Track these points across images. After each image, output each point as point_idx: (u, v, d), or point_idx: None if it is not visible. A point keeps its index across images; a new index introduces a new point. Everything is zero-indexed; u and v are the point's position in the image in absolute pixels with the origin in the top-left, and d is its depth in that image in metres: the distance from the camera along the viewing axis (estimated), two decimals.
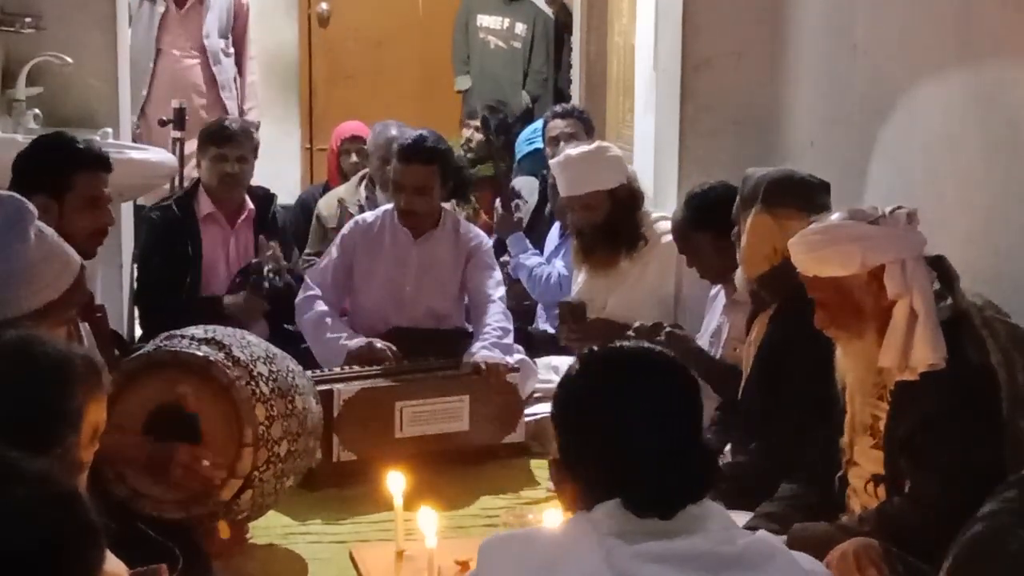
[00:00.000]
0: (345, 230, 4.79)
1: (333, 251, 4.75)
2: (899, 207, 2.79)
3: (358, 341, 4.44)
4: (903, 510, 2.71)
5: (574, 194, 4.51)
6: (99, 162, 3.52)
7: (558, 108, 5.90)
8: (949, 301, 2.76)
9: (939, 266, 2.80)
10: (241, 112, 6.32)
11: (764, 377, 3.36)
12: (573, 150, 4.59)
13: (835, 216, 2.84)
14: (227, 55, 6.35)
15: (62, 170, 3.42)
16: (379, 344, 4.43)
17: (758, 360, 3.40)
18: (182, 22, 6.26)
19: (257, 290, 4.75)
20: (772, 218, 3.29)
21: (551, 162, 4.69)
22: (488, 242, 4.85)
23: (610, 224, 4.48)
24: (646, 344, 1.94)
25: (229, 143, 4.86)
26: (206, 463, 3.19)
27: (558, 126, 5.64)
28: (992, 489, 2.52)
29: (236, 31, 6.43)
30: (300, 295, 4.66)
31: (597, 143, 4.71)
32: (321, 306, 4.59)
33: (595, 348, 1.90)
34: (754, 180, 3.42)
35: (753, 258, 3.33)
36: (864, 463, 2.89)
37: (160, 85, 6.17)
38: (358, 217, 4.87)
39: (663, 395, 1.81)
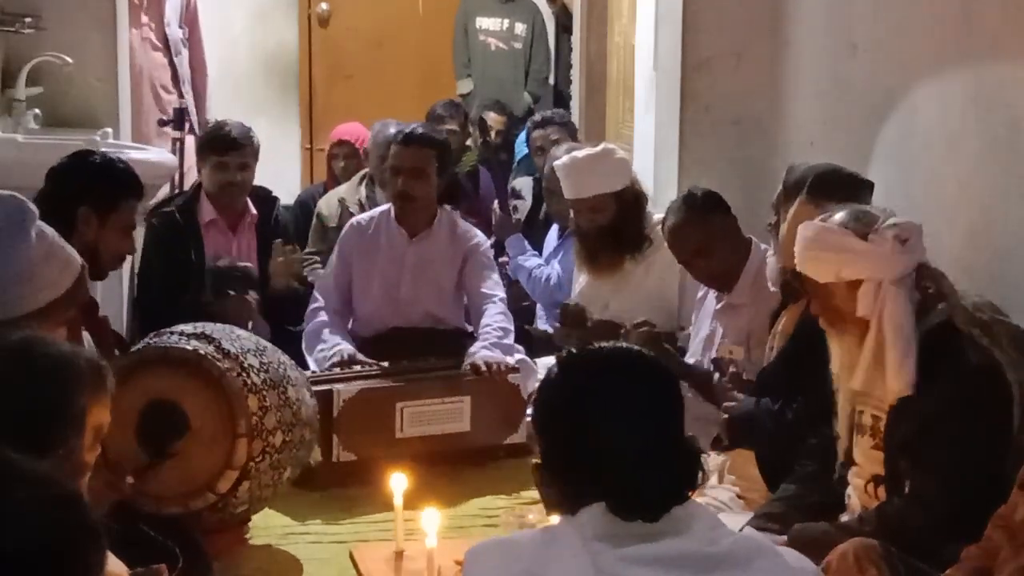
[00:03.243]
0: (342, 234, 4.80)
1: (333, 257, 4.76)
2: (895, 224, 2.76)
3: (336, 353, 4.41)
4: (903, 510, 2.71)
5: (581, 196, 4.50)
6: (141, 192, 3.64)
7: (537, 118, 6.08)
8: (942, 305, 2.76)
9: (931, 275, 2.79)
10: (199, 113, 6.10)
11: (790, 364, 3.36)
12: (579, 152, 4.58)
13: (836, 217, 2.83)
14: (184, 46, 6.11)
15: (114, 191, 3.52)
16: (358, 357, 4.40)
17: (788, 347, 3.40)
18: (145, 8, 5.95)
19: (239, 288, 4.71)
20: (816, 209, 3.23)
21: (555, 164, 4.70)
22: (486, 242, 4.84)
23: (615, 226, 4.48)
24: (625, 344, 1.94)
25: (230, 151, 4.79)
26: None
27: (542, 135, 5.80)
28: (992, 490, 2.54)
29: (188, 20, 6.17)
30: (308, 307, 4.67)
31: (603, 145, 4.71)
32: (320, 316, 4.59)
33: (573, 350, 1.89)
34: (799, 172, 3.42)
35: (792, 247, 3.32)
36: (864, 463, 2.89)
37: (134, 89, 5.80)
38: (354, 220, 4.86)
39: (643, 396, 1.80)
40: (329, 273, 4.74)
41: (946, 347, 2.70)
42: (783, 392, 3.36)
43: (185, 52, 6.11)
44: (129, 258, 5.16)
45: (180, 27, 6.10)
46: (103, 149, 4.26)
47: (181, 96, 5.99)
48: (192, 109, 6.04)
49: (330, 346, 4.47)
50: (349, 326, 4.69)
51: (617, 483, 1.75)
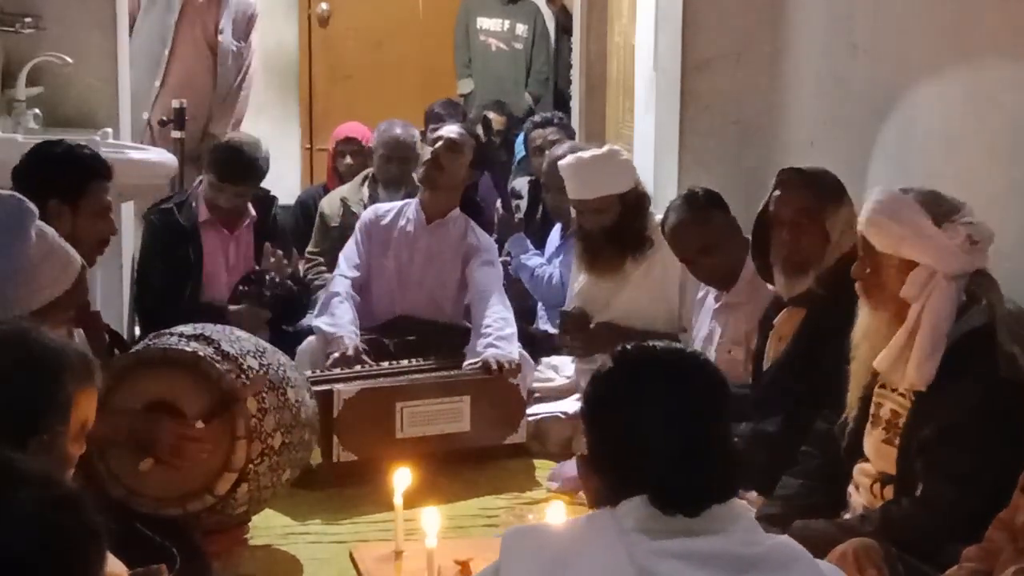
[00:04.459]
0: (362, 217, 4.90)
1: (356, 234, 4.84)
2: (972, 223, 2.73)
3: (338, 345, 4.43)
4: (909, 513, 2.69)
5: (586, 197, 4.49)
6: (108, 172, 3.57)
7: (537, 118, 6.14)
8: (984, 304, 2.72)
9: (986, 283, 2.75)
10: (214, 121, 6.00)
11: (796, 362, 3.35)
12: (585, 153, 4.59)
13: (912, 194, 2.80)
14: (235, 60, 5.99)
15: (78, 177, 3.47)
16: (351, 352, 4.42)
17: (793, 346, 3.38)
18: (201, 12, 5.88)
19: (259, 301, 4.76)
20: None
21: (560, 164, 4.71)
22: (492, 245, 4.91)
23: (618, 228, 4.48)
24: (678, 344, 1.95)
25: (231, 181, 4.80)
26: (191, 441, 3.20)
27: (541, 135, 5.85)
28: (998, 493, 2.52)
29: (245, 34, 6.06)
30: (335, 272, 4.77)
31: (608, 146, 4.72)
32: (337, 286, 4.65)
33: (628, 346, 1.91)
34: (829, 176, 3.40)
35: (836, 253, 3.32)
36: (874, 458, 2.87)
37: (173, 83, 5.78)
38: (374, 206, 4.97)
39: (692, 394, 1.82)
40: (351, 247, 4.80)
41: (979, 352, 2.65)
42: (789, 389, 3.35)
43: (232, 65, 5.97)
44: (129, 257, 5.21)
45: (236, 39, 5.98)
46: (103, 149, 4.25)
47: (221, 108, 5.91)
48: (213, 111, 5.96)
49: (337, 326, 4.50)
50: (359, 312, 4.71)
51: (661, 477, 1.76)
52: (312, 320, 4.65)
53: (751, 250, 3.61)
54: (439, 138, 4.71)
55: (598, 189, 4.46)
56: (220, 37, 5.93)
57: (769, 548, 1.77)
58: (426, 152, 4.76)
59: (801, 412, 3.28)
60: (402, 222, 4.79)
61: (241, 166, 4.83)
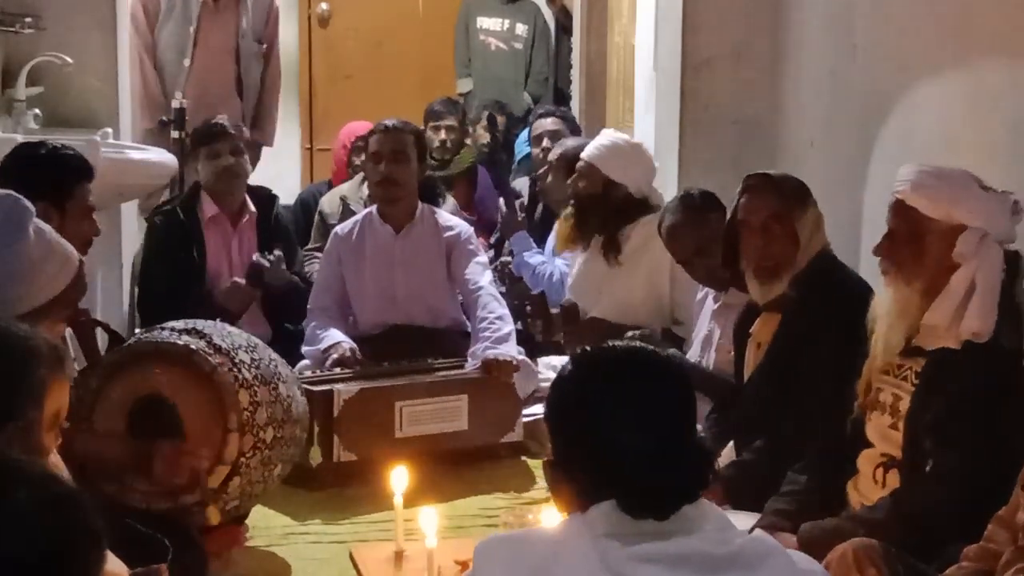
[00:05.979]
0: (327, 245, 4.82)
1: (322, 267, 4.78)
2: (1012, 193, 2.78)
3: (335, 347, 4.42)
4: (919, 489, 2.69)
5: (583, 157, 4.60)
6: (92, 173, 3.56)
7: (541, 109, 6.23)
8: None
9: (1014, 260, 2.77)
10: (258, 127, 5.99)
11: (777, 370, 3.34)
12: (615, 134, 4.73)
13: (949, 167, 2.84)
14: (258, 62, 5.98)
15: (65, 179, 3.44)
16: (348, 353, 4.41)
17: (772, 353, 3.38)
18: (217, 16, 5.80)
19: (252, 282, 4.74)
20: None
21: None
22: (468, 229, 4.84)
23: (590, 203, 4.54)
24: (638, 343, 1.94)
25: (219, 139, 4.78)
26: (188, 456, 3.17)
27: (543, 124, 5.89)
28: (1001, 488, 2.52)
29: (268, 36, 6.05)
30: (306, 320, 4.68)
31: (638, 140, 4.83)
32: (312, 320, 4.61)
33: (587, 348, 1.89)
34: (793, 179, 3.42)
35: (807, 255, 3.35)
36: (878, 443, 2.87)
37: (195, 93, 5.69)
38: (336, 228, 4.87)
39: (656, 395, 1.80)
40: (319, 285, 4.74)
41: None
42: (773, 399, 3.34)
43: (255, 69, 5.95)
44: (130, 257, 5.21)
45: (257, 41, 5.94)
46: (103, 149, 4.26)
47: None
48: (245, 120, 5.89)
49: (329, 337, 4.48)
50: (350, 328, 4.68)
51: (628, 481, 1.75)
52: (302, 349, 4.58)
53: (722, 259, 3.59)
54: (378, 154, 4.62)
55: (596, 157, 4.54)
56: (241, 41, 5.87)
57: (741, 545, 1.76)
58: (373, 170, 4.68)
59: (786, 433, 3.26)
60: (370, 240, 4.69)
61: (217, 124, 4.83)
